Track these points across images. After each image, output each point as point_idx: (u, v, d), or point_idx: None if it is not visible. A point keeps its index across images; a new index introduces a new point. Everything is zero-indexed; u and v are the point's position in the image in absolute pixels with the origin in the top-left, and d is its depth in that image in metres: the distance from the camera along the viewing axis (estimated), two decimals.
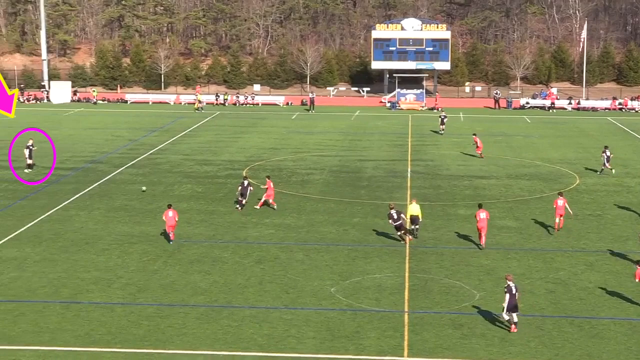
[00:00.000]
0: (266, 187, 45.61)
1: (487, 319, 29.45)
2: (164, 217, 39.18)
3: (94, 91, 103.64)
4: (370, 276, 34.09)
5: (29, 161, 55.68)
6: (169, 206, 39.52)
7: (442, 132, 74.73)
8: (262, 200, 45.60)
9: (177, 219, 39.02)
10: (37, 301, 31.01)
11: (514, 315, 28.48)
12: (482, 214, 38.61)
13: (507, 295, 28.39)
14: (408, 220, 39.85)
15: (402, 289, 32.60)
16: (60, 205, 45.86)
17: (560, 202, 40.87)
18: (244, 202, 45.09)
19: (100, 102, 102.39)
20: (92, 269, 34.88)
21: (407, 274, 34.45)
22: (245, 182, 45.54)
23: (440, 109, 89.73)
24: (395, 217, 38.43)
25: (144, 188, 49.96)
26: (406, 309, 30.45)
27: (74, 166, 57.56)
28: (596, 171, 56.19)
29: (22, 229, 40.87)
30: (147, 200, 47.21)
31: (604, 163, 55.91)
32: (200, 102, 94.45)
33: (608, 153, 56.08)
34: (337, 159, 61.51)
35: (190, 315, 29.65)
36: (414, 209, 39.98)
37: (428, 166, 58.96)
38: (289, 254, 37.18)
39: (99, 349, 26.71)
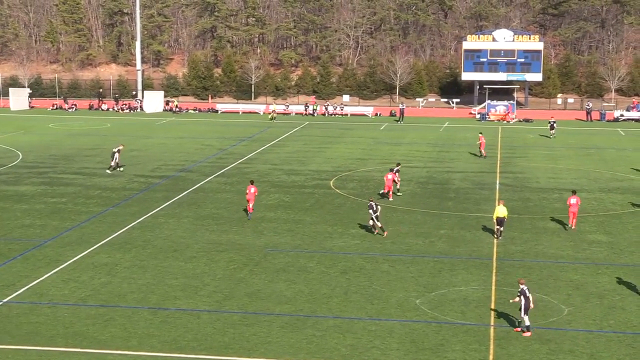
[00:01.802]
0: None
1: (576, 335, 28.85)
2: (246, 191, 46.04)
3: (174, 102, 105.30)
4: (456, 288, 33.74)
5: (112, 163, 59.22)
6: (252, 182, 46.79)
7: (553, 136, 79.63)
8: (390, 192, 50.30)
9: (256, 194, 46.06)
10: (126, 306, 31.59)
11: (526, 318, 28.85)
12: (573, 200, 43.50)
13: (523, 299, 28.79)
14: (494, 222, 41.45)
15: (488, 302, 32.18)
16: (150, 213, 46.72)
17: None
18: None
19: (192, 111, 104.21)
20: (180, 276, 35.40)
21: (493, 287, 33.99)
22: (395, 169, 51.59)
23: (516, 119, 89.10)
24: (375, 208, 41.59)
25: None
26: (492, 323, 30.05)
27: (164, 174, 58.59)
28: None
29: (114, 235, 41.76)
30: (235, 209, 47.72)
31: None
32: (274, 111, 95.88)
33: None
34: (425, 170, 61.17)
35: (274, 324, 29.81)
36: (500, 210, 41.31)
37: (517, 178, 58.17)
38: (374, 265, 37.09)
39: (185, 355, 27.06)
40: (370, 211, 41.71)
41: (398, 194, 51.42)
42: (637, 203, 50.13)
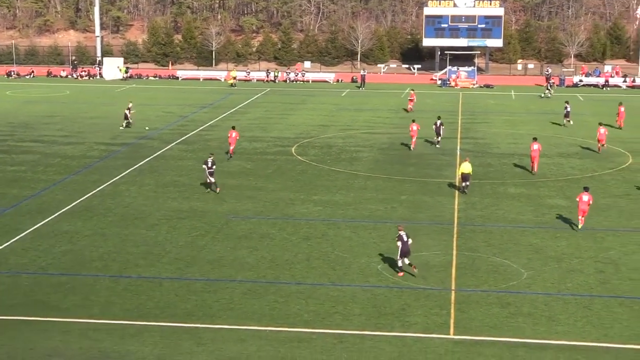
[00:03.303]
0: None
1: (535, 298, 29.23)
2: (228, 135, 52.39)
3: (121, 68, 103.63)
4: (417, 254, 33.87)
5: (131, 120, 64.04)
6: (233, 127, 53.22)
7: (544, 95, 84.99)
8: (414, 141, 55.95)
9: (237, 139, 52.37)
10: (88, 275, 31.47)
11: (406, 260, 31.35)
12: (535, 146, 48.09)
13: (400, 243, 30.94)
14: (458, 177, 43.90)
15: (449, 267, 32.49)
16: (111, 181, 46.41)
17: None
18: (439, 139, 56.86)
19: (152, 78, 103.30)
20: (142, 243, 35.28)
21: (454, 252, 34.31)
22: (439, 122, 56.81)
23: (477, 85, 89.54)
24: (210, 165, 43.29)
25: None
26: (453, 287, 30.35)
27: (125, 142, 58.15)
28: None
29: (74, 204, 41.45)
30: (197, 176, 47.54)
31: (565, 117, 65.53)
32: (234, 77, 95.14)
33: (569, 108, 65.55)
34: (387, 137, 61.29)
35: (237, 291, 29.86)
36: (465, 166, 43.38)
37: (478, 144, 58.51)
38: (336, 231, 37.22)
39: (147, 323, 27.04)
40: (205, 167, 43.43)
41: (437, 145, 56.60)
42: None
